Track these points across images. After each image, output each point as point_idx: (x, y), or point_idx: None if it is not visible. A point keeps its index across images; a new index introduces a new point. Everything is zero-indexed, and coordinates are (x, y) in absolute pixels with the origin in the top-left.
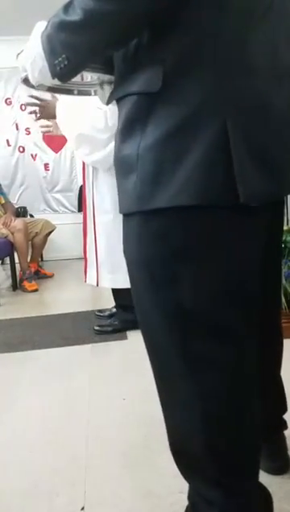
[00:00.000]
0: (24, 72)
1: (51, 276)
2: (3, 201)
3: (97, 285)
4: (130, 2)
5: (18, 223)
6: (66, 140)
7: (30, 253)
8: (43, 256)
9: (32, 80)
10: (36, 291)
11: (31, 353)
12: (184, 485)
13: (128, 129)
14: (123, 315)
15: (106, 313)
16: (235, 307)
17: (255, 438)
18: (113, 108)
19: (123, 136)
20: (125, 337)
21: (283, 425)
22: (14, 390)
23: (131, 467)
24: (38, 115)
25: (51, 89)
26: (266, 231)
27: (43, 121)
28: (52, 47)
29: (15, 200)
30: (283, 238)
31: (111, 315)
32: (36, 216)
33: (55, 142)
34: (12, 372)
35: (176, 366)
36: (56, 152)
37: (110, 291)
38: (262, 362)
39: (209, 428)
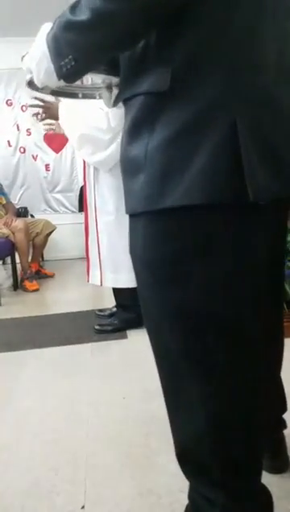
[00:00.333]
0: (29, 74)
1: (52, 276)
2: (4, 201)
3: (101, 285)
4: (139, 2)
5: (19, 223)
6: (66, 140)
7: (31, 253)
8: (44, 256)
9: (37, 82)
10: (37, 290)
11: (31, 352)
12: (183, 484)
13: (136, 129)
14: (123, 314)
15: (107, 312)
16: (242, 307)
17: (259, 439)
18: (114, 109)
19: (131, 137)
20: (125, 336)
21: (283, 425)
22: (14, 389)
23: (131, 466)
24: (41, 116)
25: (56, 93)
26: (274, 230)
27: (47, 121)
28: (59, 48)
29: (16, 200)
30: None
31: (111, 315)
32: (37, 217)
33: (56, 142)
34: (12, 371)
35: (181, 367)
36: (57, 153)
37: (111, 291)
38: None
39: (215, 429)
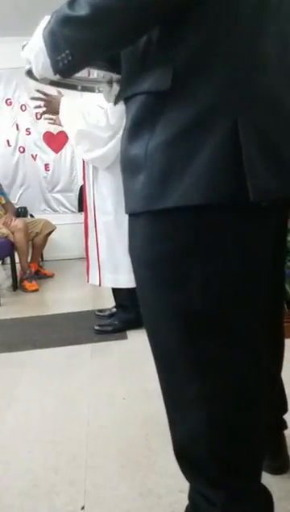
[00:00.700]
0: (28, 63)
1: (52, 276)
2: (4, 201)
3: (100, 285)
4: None
5: (18, 223)
6: (66, 140)
7: (30, 253)
8: (44, 256)
9: (36, 73)
10: (36, 290)
11: (31, 352)
12: (183, 485)
13: (136, 128)
14: (123, 315)
15: (106, 313)
16: (244, 308)
17: (260, 439)
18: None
19: (131, 136)
20: (125, 337)
21: (283, 425)
22: (14, 389)
23: (131, 466)
24: (42, 110)
25: (55, 83)
26: (275, 230)
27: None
28: (55, 43)
29: (16, 200)
30: None
31: (111, 315)
32: (36, 216)
33: (56, 142)
34: (12, 372)
35: (182, 367)
36: (57, 152)
37: (110, 291)
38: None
39: (215, 429)
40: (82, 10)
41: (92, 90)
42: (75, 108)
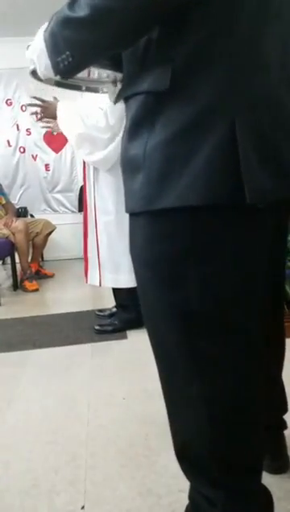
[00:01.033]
0: (33, 64)
1: (52, 276)
2: (4, 201)
3: (100, 285)
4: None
5: (19, 224)
6: (66, 140)
7: (30, 253)
8: (44, 256)
9: (40, 74)
10: (37, 290)
11: (31, 352)
12: (183, 484)
13: (135, 128)
14: (123, 314)
15: (106, 313)
16: (242, 308)
17: (260, 439)
18: (113, 106)
19: (130, 135)
20: (125, 337)
21: (283, 425)
22: (14, 389)
23: (131, 466)
24: (39, 116)
25: (59, 84)
26: (273, 231)
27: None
28: (56, 44)
29: (16, 200)
30: None
31: (111, 315)
32: (37, 217)
33: (56, 142)
34: (12, 371)
35: (182, 367)
36: (57, 152)
37: (110, 291)
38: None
39: (215, 429)
40: (82, 11)
41: (96, 90)
42: (72, 111)
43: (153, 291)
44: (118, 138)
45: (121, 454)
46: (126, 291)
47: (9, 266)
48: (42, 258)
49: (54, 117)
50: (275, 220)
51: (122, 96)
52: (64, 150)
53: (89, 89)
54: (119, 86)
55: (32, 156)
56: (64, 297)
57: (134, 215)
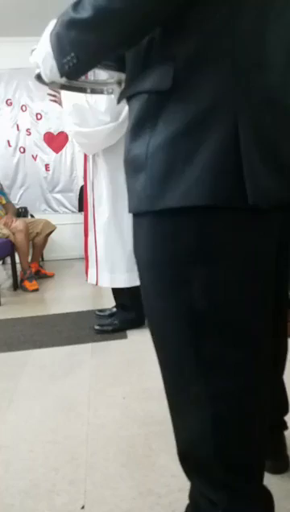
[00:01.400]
0: (38, 68)
1: (52, 276)
2: (4, 201)
3: (97, 284)
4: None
5: (19, 224)
6: (67, 141)
7: (30, 253)
8: (44, 256)
9: (45, 78)
10: (37, 290)
11: (31, 352)
12: (183, 484)
13: (138, 128)
14: (123, 314)
15: (106, 313)
16: (248, 308)
17: (264, 440)
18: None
19: (133, 135)
20: (125, 337)
21: (284, 425)
22: (14, 389)
23: (131, 466)
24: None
25: (64, 87)
26: (278, 231)
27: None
28: (61, 46)
29: (16, 200)
30: None
31: (111, 315)
32: (37, 217)
33: (56, 142)
34: (12, 371)
35: (187, 368)
36: (57, 152)
37: (110, 291)
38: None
39: (220, 430)
40: (86, 12)
41: (101, 92)
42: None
43: (157, 291)
44: (111, 125)
45: (121, 454)
46: (125, 290)
47: (9, 266)
48: (42, 258)
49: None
50: (280, 220)
51: (125, 95)
52: (64, 150)
53: (93, 91)
54: (123, 87)
55: (32, 156)
56: (64, 297)
57: (137, 215)
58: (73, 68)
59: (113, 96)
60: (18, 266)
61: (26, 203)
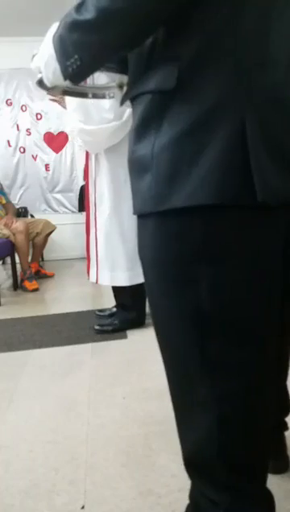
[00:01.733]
0: (39, 73)
1: (52, 276)
2: (4, 201)
3: (97, 282)
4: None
5: (19, 225)
6: (67, 141)
7: (30, 253)
8: (44, 256)
9: (47, 82)
10: (37, 290)
11: (31, 352)
12: (183, 484)
13: (142, 128)
14: (123, 314)
15: (106, 313)
16: (254, 308)
17: (268, 441)
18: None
19: (137, 136)
20: (125, 336)
21: (284, 426)
22: (14, 389)
23: (131, 466)
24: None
25: (66, 92)
26: (285, 229)
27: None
28: (64, 48)
29: (16, 200)
30: None
31: (111, 315)
32: (37, 217)
33: (56, 142)
34: (12, 371)
35: (192, 368)
36: (57, 152)
37: (111, 291)
38: None
39: (225, 430)
40: (89, 14)
41: (103, 96)
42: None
43: (162, 291)
44: (114, 124)
45: (121, 454)
46: (126, 290)
47: (9, 266)
48: (42, 258)
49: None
50: (288, 217)
51: (129, 96)
52: (64, 150)
53: (95, 96)
54: (125, 90)
55: (32, 156)
56: (64, 297)
57: (142, 216)
58: (77, 71)
59: (115, 100)
60: (18, 266)
61: (26, 203)
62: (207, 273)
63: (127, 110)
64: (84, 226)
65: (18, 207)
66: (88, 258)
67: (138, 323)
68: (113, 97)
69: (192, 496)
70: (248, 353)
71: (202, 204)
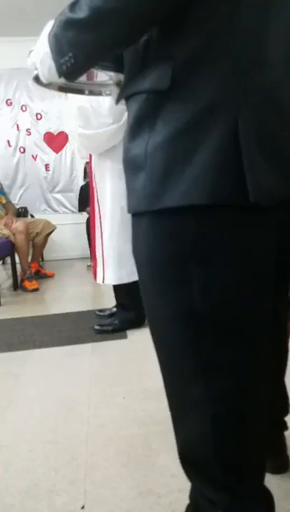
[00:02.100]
0: (35, 70)
1: (52, 276)
2: (4, 201)
3: (103, 282)
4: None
5: (19, 225)
6: (67, 141)
7: (30, 253)
8: (44, 256)
9: (43, 79)
10: (37, 290)
11: (31, 352)
12: (183, 484)
13: (136, 127)
14: (123, 314)
15: (106, 313)
16: (247, 308)
17: (263, 441)
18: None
19: (132, 135)
20: (125, 336)
21: (284, 425)
22: (14, 389)
23: (131, 466)
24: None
25: (62, 89)
26: (279, 231)
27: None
28: (59, 46)
29: (16, 200)
30: None
31: (111, 315)
32: (37, 217)
33: (56, 142)
34: (12, 371)
35: (186, 368)
36: (57, 152)
37: (110, 291)
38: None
39: (219, 431)
40: (82, 12)
41: (99, 93)
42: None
43: (156, 290)
44: (113, 127)
45: (121, 454)
46: (126, 290)
47: (9, 266)
48: (42, 258)
49: None
50: (282, 219)
51: (123, 95)
52: (64, 150)
53: (92, 93)
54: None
55: (32, 156)
56: (64, 297)
57: (136, 215)
58: (71, 68)
59: (111, 97)
60: (18, 266)
61: (26, 203)
62: (199, 273)
63: (126, 112)
64: (84, 226)
65: (18, 207)
66: (94, 259)
67: (138, 323)
68: (109, 95)
69: (191, 496)
70: (240, 353)
71: (195, 203)
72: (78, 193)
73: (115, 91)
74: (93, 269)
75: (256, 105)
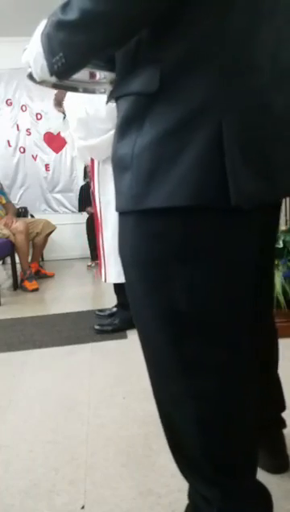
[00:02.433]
0: (29, 67)
1: (52, 276)
2: (4, 201)
3: (105, 281)
4: (127, 2)
5: (19, 225)
6: (66, 141)
7: (30, 253)
8: (44, 256)
9: (36, 77)
10: (37, 290)
11: (31, 352)
12: (183, 484)
13: (125, 128)
14: (123, 314)
15: (106, 312)
16: (229, 309)
17: (251, 438)
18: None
19: (120, 135)
20: (125, 336)
21: (282, 423)
22: (14, 389)
23: (131, 466)
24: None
25: (56, 86)
26: (261, 233)
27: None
28: (51, 46)
29: (16, 200)
30: (283, 238)
31: (111, 315)
32: (37, 217)
33: (56, 142)
34: (12, 371)
35: (169, 367)
36: (57, 152)
37: (111, 291)
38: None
39: (203, 429)
40: (73, 14)
41: (93, 91)
42: (79, 96)
43: (141, 290)
44: (111, 134)
45: (121, 454)
46: (123, 288)
47: (9, 266)
48: (42, 258)
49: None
50: (263, 222)
51: (113, 96)
52: (64, 150)
53: (86, 91)
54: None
55: (32, 156)
56: (64, 297)
57: (123, 214)
58: (62, 68)
59: (106, 96)
60: (18, 266)
61: (26, 203)
62: (182, 273)
63: None
64: (84, 226)
65: (18, 207)
66: (99, 258)
67: None
68: (104, 93)
69: (190, 495)
70: (221, 353)
71: (179, 205)
72: (78, 193)
73: (109, 89)
74: (98, 268)
75: (243, 108)
